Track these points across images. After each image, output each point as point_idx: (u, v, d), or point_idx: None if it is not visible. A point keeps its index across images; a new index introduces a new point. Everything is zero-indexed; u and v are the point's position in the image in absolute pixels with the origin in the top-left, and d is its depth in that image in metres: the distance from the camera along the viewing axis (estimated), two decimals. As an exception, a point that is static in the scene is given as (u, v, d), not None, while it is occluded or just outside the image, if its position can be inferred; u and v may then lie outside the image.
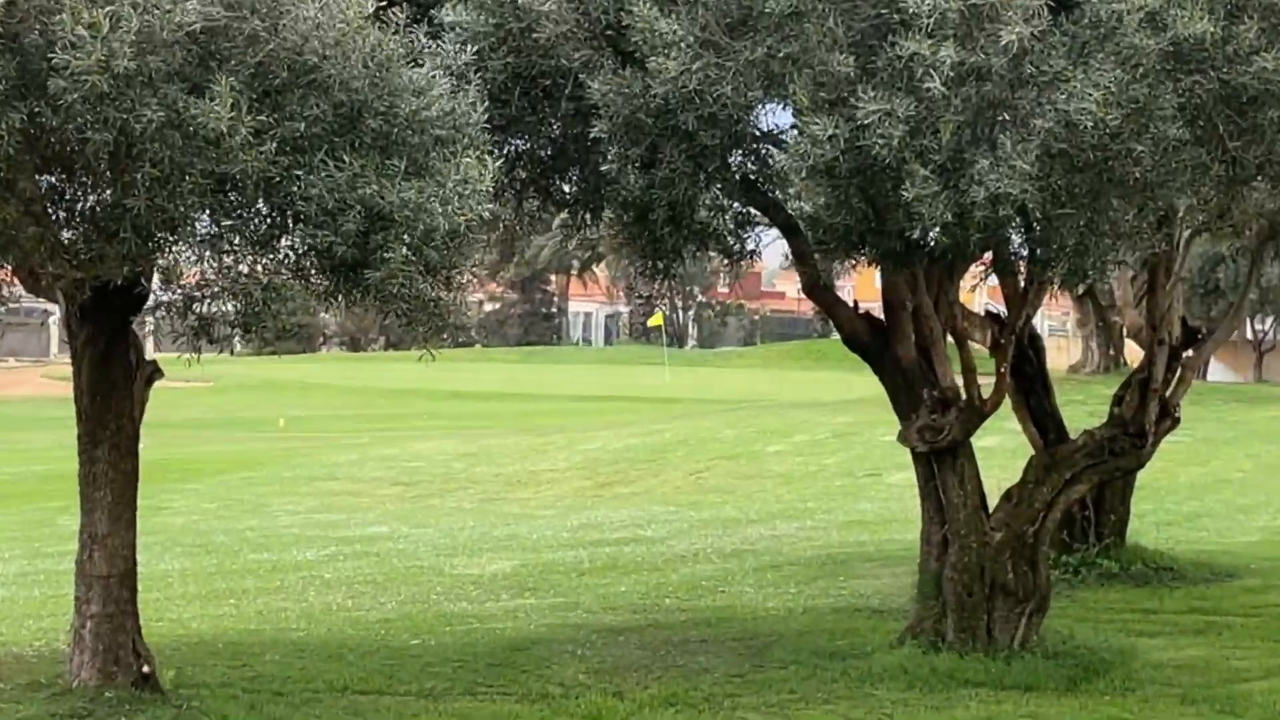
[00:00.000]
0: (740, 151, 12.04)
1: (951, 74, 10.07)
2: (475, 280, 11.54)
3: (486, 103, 10.23)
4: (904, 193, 10.38)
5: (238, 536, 23.39)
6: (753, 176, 12.47)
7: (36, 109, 8.92)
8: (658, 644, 14.20)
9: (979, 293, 15.16)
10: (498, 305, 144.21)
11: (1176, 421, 15.05)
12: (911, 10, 9.90)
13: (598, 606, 16.94)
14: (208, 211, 9.86)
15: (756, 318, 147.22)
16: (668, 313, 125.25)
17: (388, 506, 28.73)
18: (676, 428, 41.66)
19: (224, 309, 10.36)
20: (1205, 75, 10.36)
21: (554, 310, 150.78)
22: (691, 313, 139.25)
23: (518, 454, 37.72)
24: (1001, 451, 21.28)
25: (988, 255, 13.20)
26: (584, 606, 16.95)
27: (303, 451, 36.36)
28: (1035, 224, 12.47)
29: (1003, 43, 9.83)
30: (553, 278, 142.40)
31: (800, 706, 11.72)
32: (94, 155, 9.29)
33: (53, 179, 10.28)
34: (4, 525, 23.11)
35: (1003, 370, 13.82)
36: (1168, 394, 14.80)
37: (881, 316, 14.00)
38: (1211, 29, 10.07)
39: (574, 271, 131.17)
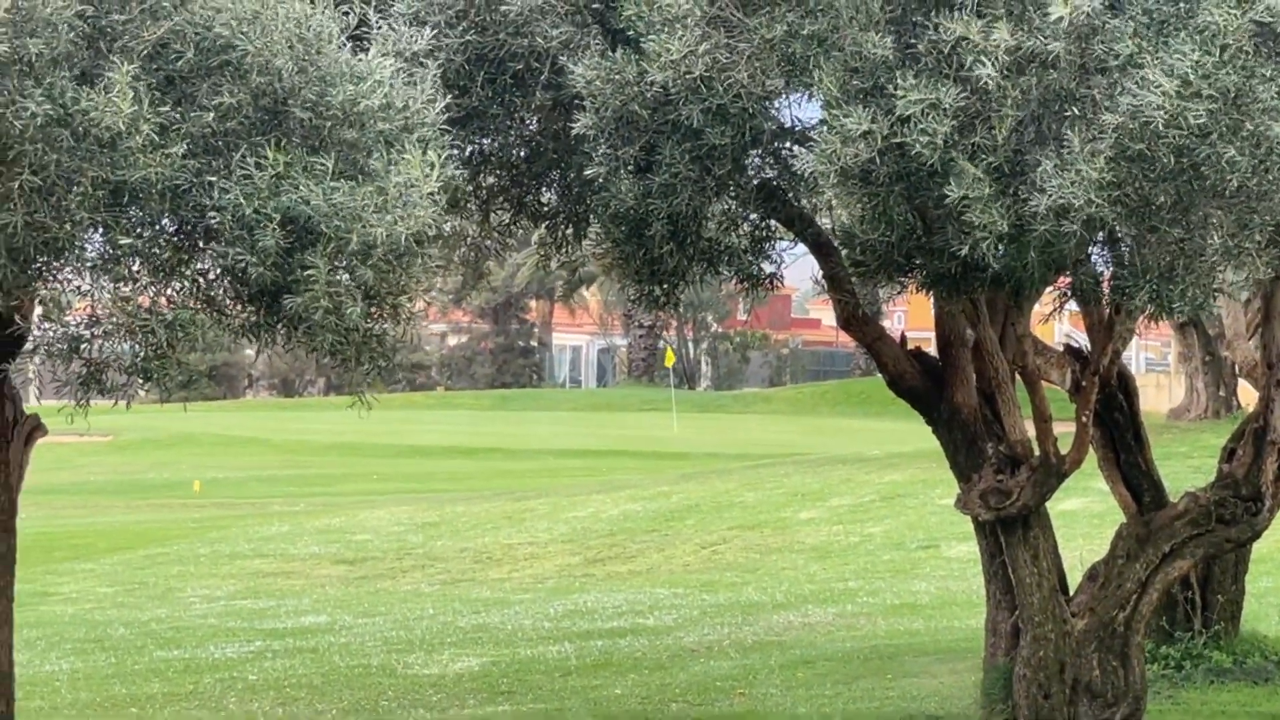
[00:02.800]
0: (757, 152, 11.90)
1: (1007, 59, 10.11)
2: (431, 307, 11.49)
3: (443, 92, 10.23)
4: (950, 199, 10.39)
5: (141, 629, 23.01)
6: (773, 182, 12.33)
7: None
8: None
9: (1056, 322, 15.07)
10: (464, 339, 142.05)
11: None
12: None
13: (587, 715, 16.73)
14: (101, 229, 9.79)
15: (785, 352, 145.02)
16: (675, 346, 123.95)
17: (327, 590, 28.39)
18: (686, 490, 41.00)
19: (119, 350, 10.22)
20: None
21: (534, 344, 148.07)
22: (704, 346, 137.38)
23: (489, 524, 37.43)
24: (1086, 516, 21.19)
25: (1065, 278, 13.18)
26: (571, 714, 16.77)
27: (222, 522, 35.89)
28: (1116, 241, 12.55)
29: (1062, 21, 9.90)
30: (532, 304, 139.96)
31: None
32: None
33: None
34: None
35: (1085, 419, 13.60)
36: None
37: (935, 354, 14.01)
38: None
39: (557, 297, 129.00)
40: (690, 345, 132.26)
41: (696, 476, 45.73)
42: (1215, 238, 11.84)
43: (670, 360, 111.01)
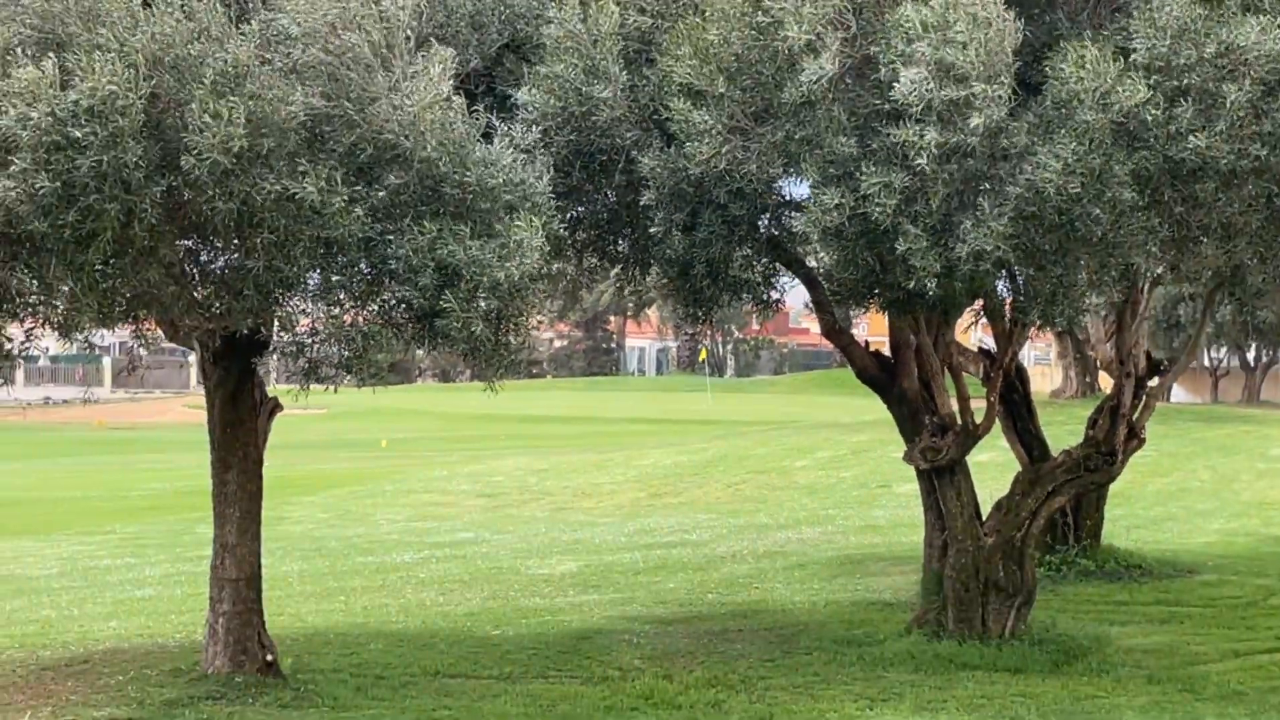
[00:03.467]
0: (765, 217, 12.02)
1: (936, 152, 10.13)
2: (544, 323, 11.55)
3: (551, 173, 10.29)
4: (899, 249, 10.43)
5: (346, 542, 23.44)
6: (777, 237, 12.44)
7: (174, 184, 9.07)
8: (701, 634, 14.35)
9: (973, 331, 15.22)
10: (565, 342, 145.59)
11: (1142, 441, 14.99)
12: (901, 101, 9.98)
13: (650, 601, 17.04)
14: (317, 270, 9.99)
15: (785, 351, 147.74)
16: (710, 347, 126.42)
17: (473, 515, 28.56)
18: (717, 446, 41.44)
19: (329, 352, 10.39)
20: (1151, 150, 10.34)
21: (613, 346, 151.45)
22: (730, 347, 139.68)
23: (583, 469, 37.65)
24: (993, 466, 21.20)
25: (980, 301, 13.23)
26: (639, 601, 17.05)
27: (402, 469, 36.38)
28: (1015, 276, 12.53)
29: (973, 125, 9.90)
30: (611, 319, 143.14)
31: (823, 687, 11.77)
32: (221, 223, 9.43)
33: (188, 244, 10.38)
34: (150, 534, 23.26)
35: (992, 399, 13.72)
36: (1134, 418, 14.73)
37: (889, 354, 14.12)
38: (1153, 110, 10.11)
39: (629, 314, 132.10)
40: (720, 346, 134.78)
41: (724, 437, 45.67)
42: (1084, 274, 12.09)
43: (704, 356, 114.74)
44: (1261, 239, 11.97)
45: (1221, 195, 10.87)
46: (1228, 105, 10.19)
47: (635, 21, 11.18)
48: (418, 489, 32.74)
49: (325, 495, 31.39)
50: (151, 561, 19.88)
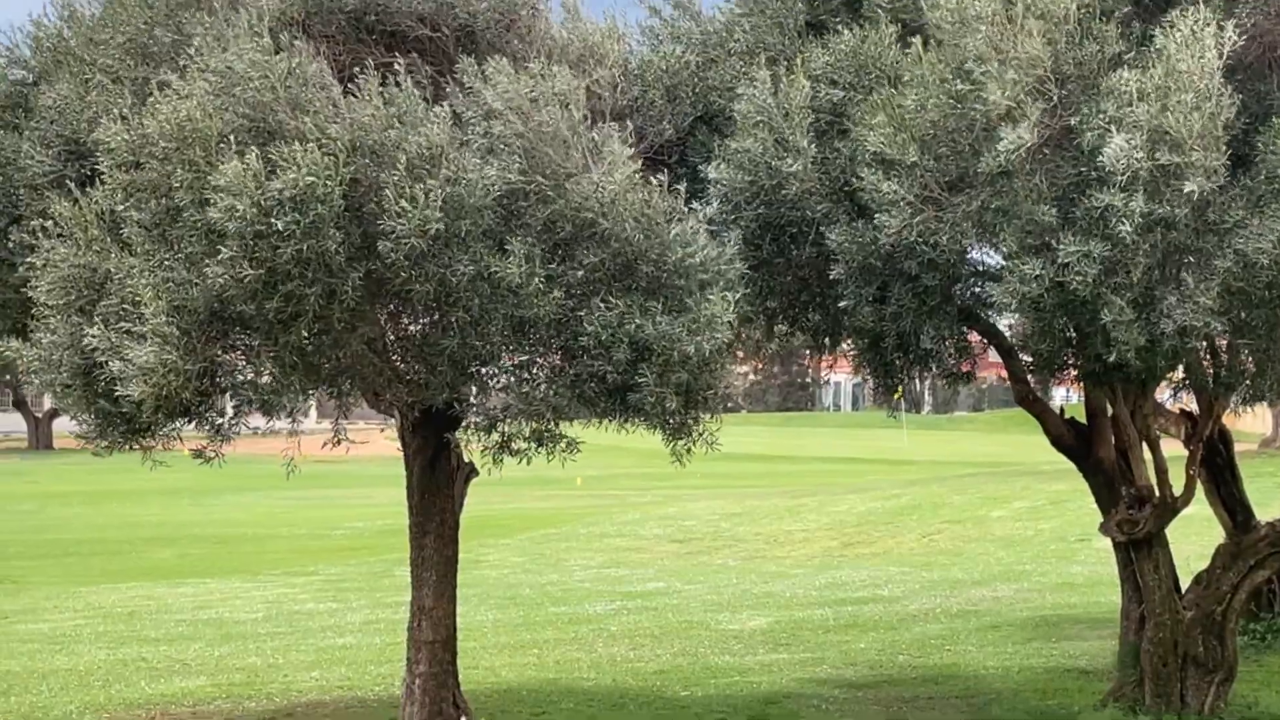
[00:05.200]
0: (958, 287, 11.92)
1: (1141, 222, 10.01)
2: (740, 359, 11.64)
3: (740, 246, 10.34)
4: (1102, 320, 10.30)
5: (540, 590, 23.72)
6: (970, 307, 12.37)
7: (372, 267, 9.28)
8: (891, 699, 14.28)
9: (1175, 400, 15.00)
10: (760, 377, 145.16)
11: None
12: (1107, 168, 9.87)
13: (840, 662, 16.89)
14: (510, 348, 10.13)
15: (984, 386, 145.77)
16: (906, 382, 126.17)
17: (665, 562, 28.55)
18: (912, 493, 41.44)
19: (521, 427, 10.42)
20: None
21: (808, 380, 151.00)
22: (928, 382, 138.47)
23: (775, 515, 37.52)
24: (1197, 519, 20.76)
25: (1180, 371, 13.05)
26: (828, 662, 16.89)
27: (595, 509, 36.59)
28: (1216, 352, 12.38)
29: (1187, 191, 9.78)
30: (806, 352, 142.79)
31: None
32: (418, 303, 9.67)
33: (388, 312, 10.60)
34: (352, 576, 23.80)
35: (1192, 472, 13.51)
36: None
37: (1085, 420, 13.90)
38: None
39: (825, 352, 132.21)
40: (917, 381, 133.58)
41: (919, 483, 45.51)
42: None
43: (899, 394, 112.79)
44: None
45: None
46: None
47: (827, 94, 11.16)
48: (611, 533, 32.97)
49: (521, 538, 31.74)
50: (352, 606, 20.31)
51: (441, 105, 9.52)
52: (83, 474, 42.59)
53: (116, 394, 9.54)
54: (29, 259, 9.91)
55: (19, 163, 10.61)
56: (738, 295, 9.98)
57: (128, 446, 10.67)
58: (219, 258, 8.91)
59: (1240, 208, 10.06)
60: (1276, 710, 13.22)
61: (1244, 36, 10.27)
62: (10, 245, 10.49)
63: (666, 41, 12.29)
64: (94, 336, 9.42)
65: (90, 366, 9.68)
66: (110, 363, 9.36)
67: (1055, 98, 10.24)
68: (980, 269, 11.80)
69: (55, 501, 40.08)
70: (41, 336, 9.95)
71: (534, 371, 10.26)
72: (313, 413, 11.65)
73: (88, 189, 9.65)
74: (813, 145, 10.96)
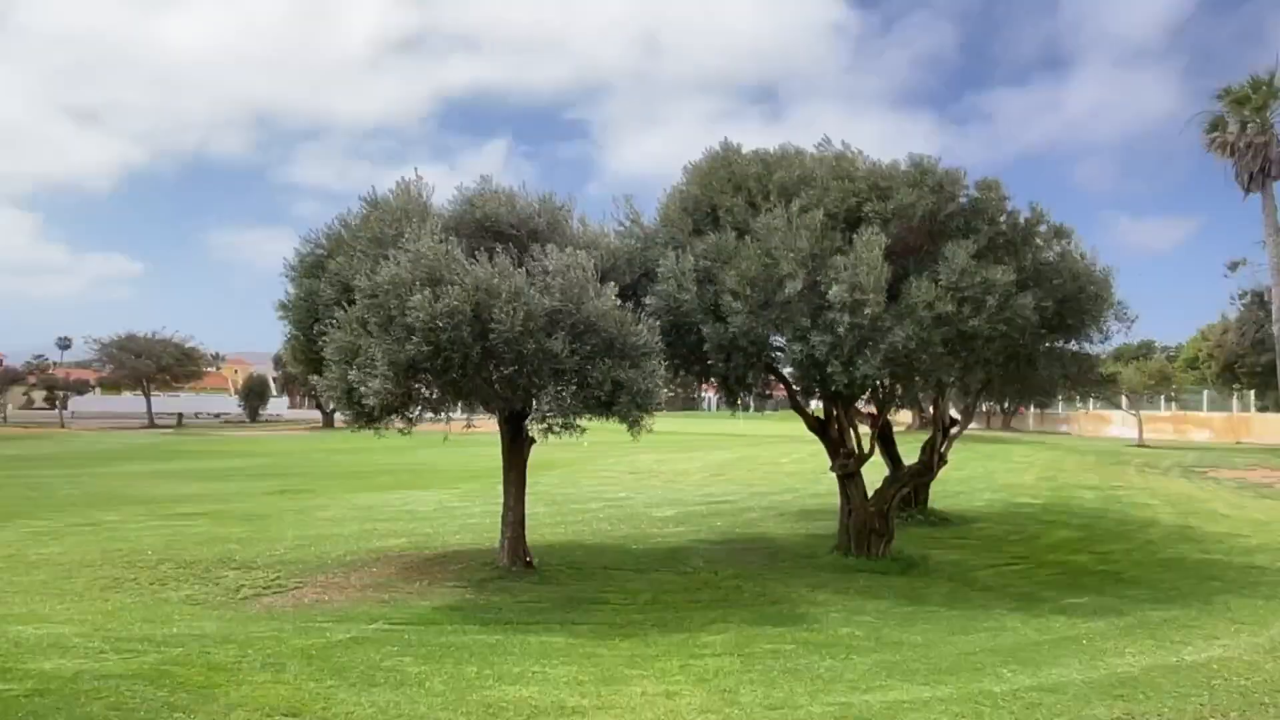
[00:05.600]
0: (765, 354, 11.59)
1: (847, 326, 10.17)
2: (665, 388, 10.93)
3: (660, 336, 10.28)
4: (829, 371, 10.41)
5: (566, 497, 21.49)
6: (771, 364, 12.21)
7: (486, 345, 9.34)
8: (733, 551, 13.86)
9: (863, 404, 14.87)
10: (672, 392, 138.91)
11: (945, 461, 14.43)
12: (832, 301, 10.06)
13: (709, 533, 15.88)
14: (553, 383, 9.71)
15: (777, 400, 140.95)
16: (741, 397, 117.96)
17: (626, 483, 25.65)
18: (745, 450, 39.07)
19: (557, 420, 10.08)
20: (951, 327, 10.29)
21: (695, 395, 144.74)
22: (751, 397, 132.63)
23: (680, 461, 34.54)
24: (876, 464, 20.68)
25: (867, 394, 13.00)
26: (703, 532, 15.90)
27: (593, 459, 33.33)
28: (880, 385, 12.46)
29: (866, 313, 9.94)
30: (695, 383, 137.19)
31: (791, 578, 11.53)
32: (508, 362, 9.61)
33: (491, 371, 10.45)
34: (477, 490, 22.66)
35: (873, 441, 13.30)
36: (943, 449, 14.30)
37: (822, 417, 13.66)
38: (950, 308, 10.11)
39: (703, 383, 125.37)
40: (746, 396, 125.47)
41: (749, 445, 42.68)
42: (917, 383, 12.00)
43: (738, 403, 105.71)
44: (1002, 368, 11.94)
45: (985, 348, 10.81)
46: (986, 306, 10.25)
47: (703, 263, 11.08)
48: (600, 470, 29.89)
49: (557, 472, 29.40)
50: (475, 504, 19.79)
51: (521, 267, 9.63)
52: (347, 440, 41.92)
53: (362, 402, 9.65)
54: (324, 339, 9.97)
55: (319, 294, 10.69)
56: (662, 360, 10.01)
57: (366, 428, 10.72)
58: (412, 339, 9.09)
59: (890, 320, 10.20)
60: (911, 554, 13.11)
61: (890, 239, 10.48)
62: (315, 334, 10.52)
63: (627, 236, 12.21)
64: (353, 377, 9.52)
65: (350, 389, 9.72)
66: (359, 388, 9.46)
67: (809, 268, 10.43)
68: (775, 347, 11.62)
69: (334, 453, 39.50)
70: (329, 374, 9.99)
71: (564, 395, 9.80)
72: (457, 412, 11.51)
73: (349, 307, 9.73)
74: (695, 286, 10.95)
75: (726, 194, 11.84)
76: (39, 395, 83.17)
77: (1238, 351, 37.06)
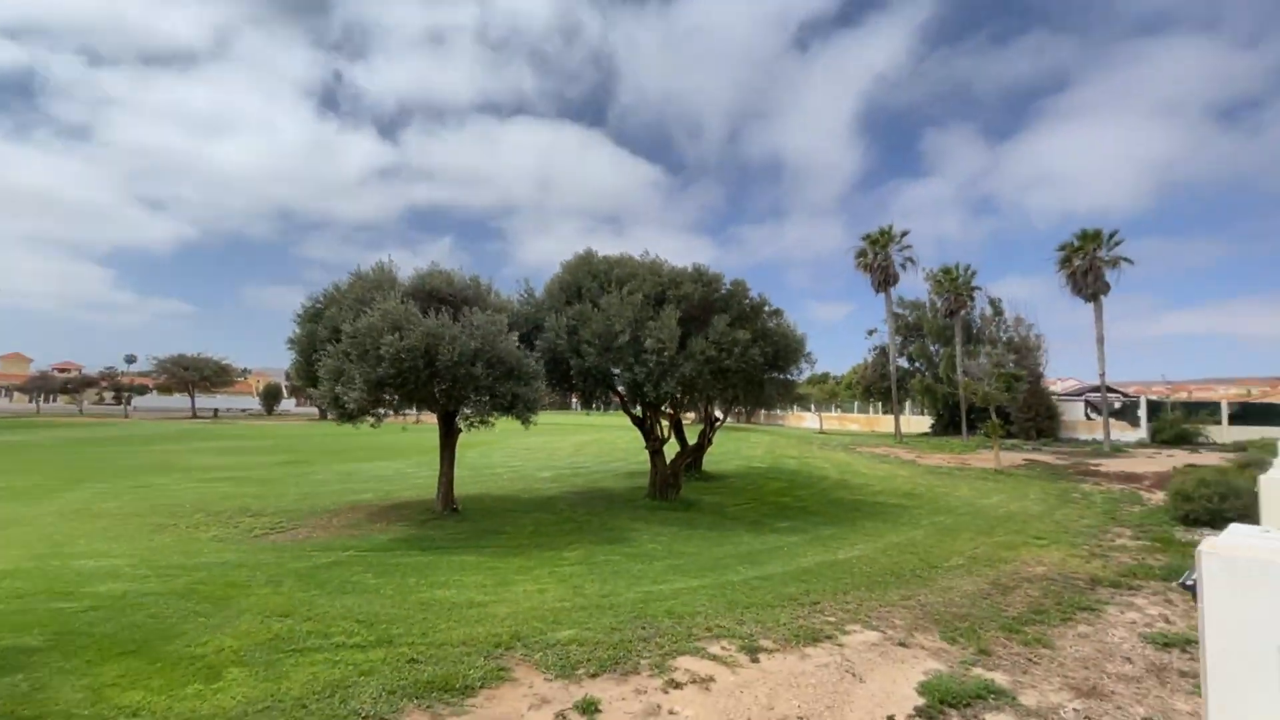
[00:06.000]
0: (608, 379, 11.27)
1: (665, 358, 10.06)
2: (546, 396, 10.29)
3: (544, 366, 10.01)
4: (645, 389, 10.35)
5: (483, 466, 19.90)
6: (610, 383, 11.66)
7: (432, 370, 8.76)
8: (588, 499, 13.03)
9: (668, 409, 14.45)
10: (551, 399, 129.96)
11: (711, 442, 14.03)
12: (648, 347, 10.01)
13: (574, 487, 14.85)
14: (472, 394, 9.25)
15: (614, 404, 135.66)
16: (594, 403, 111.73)
17: (520, 457, 22.73)
18: (597, 435, 35.82)
19: (475, 418, 9.54)
20: (718, 364, 10.32)
21: (568, 401, 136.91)
22: (598, 402, 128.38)
23: (555, 442, 31.52)
24: (673, 444, 20.04)
25: (669, 403, 12.76)
26: (569, 487, 14.78)
27: (499, 441, 30.09)
28: (678, 398, 12.33)
29: (666, 355, 9.92)
30: (566, 394, 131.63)
31: (622, 516, 11.07)
32: (445, 380, 9.09)
33: (435, 387, 9.92)
34: (422, 460, 20.06)
35: (670, 431, 13.03)
36: (710, 435, 14.00)
37: (641, 416, 13.29)
38: (716, 352, 10.23)
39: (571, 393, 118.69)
40: (597, 402, 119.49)
41: (590, 432, 40.09)
42: (698, 400, 11.78)
43: (593, 406, 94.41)
44: (744, 389, 11.95)
45: (734, 378, 10.94)
46: (734, 354, 10.50)
47: (571, 322, 10.84)
48: (504, 449, 27.69)
49: (478, 449, 27.25)
50: (422, 471, 18.09)
51: (456, 321, 9.24)
52: (336, 429, 37.73)
53: (345, 407, 8.96)
54: (319, 364, 9.20)
55: (316, 334, 9.87)
56: (543, 381, 9.78)
57: (348, 423, 9.85)
58: (382, 365, 8.53)
59: (681, 360, 10.17)
60: (690, 498, 12.69)
61: (681, 312, 10.64)
62: (313, 361, 9.66)
63: (525, 303, 11.76)
64: (338, 390, 8.85)
65: (336, 398, 9.00)
66: (343, 397, 8.79)
67: (633, 328, 10.34)
68: (613, 374, 11.21)
69: (326, 437, 35.77)
70: (322, 388, 9.21)
71: (482, 402, 9.38)
72: (412, 411, 10.71)
73: (337, 343, 9.05)
74: (566, 336, 10.73)
75: (586, 280, 11.75)
76: (109, 395, 73.21)
77: (872, 379, 40.36)
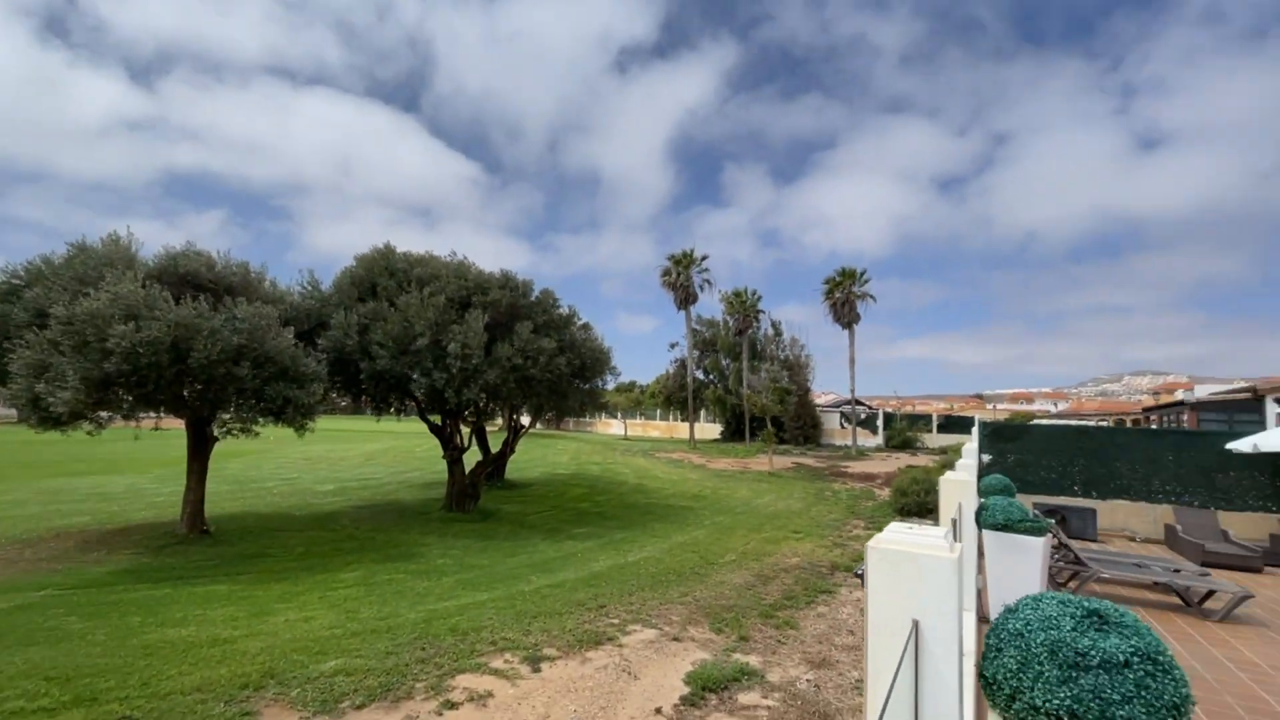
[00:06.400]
0: (404, 383, 10.51)
1: (459, 368, 9.70)
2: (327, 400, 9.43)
3: (329, 367, 9.18)
4: (445, 394, 9.94)
5: (248, 479, 17.84)
6: (408, 388, 10.89)
7: (180, 368, 7.61)
8: (375, 513, 12.14)
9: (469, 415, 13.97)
10: (343, 403, 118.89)
11: (514, 450, 14.02)
12: (450, 350, 9.63)
13: (361, 501, 13.62)
14: (235, 399, 8.33)
15: (411, 410, 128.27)
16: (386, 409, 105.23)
17: (299, 468, 20.57)
18: (391, 443, 33.85)
19: (234, 425, 8.59)
20: (523, 372, 10.25)
21: (360, 404, 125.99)
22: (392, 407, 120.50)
23: (343, 450, 29.31)
24: (476, 452, 19.46)
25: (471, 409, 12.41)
26: (356, 501, 13.56)
27: (272, 450, 27.70)
28: (480, 405, 12.05)
29: (474, 363, 9.62)
30: (352, 397, 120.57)
31: (408, 528, 10.52)
32: (199, 381, 7.91)
33: (183, 387, 8.57)
34: (167, 474, 16.74)
35: (472, 439, 12.70)
36: (514, 443, 13.66)
37: (440, 423, 12.74)
38: (521, 360, 10.12)
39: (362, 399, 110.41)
40: (391, 407, 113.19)
41: (393, 439, 37.40)
42: (501, 408, 11.55)
43: (386, 412, 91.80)
44: (549, 397, 12.04)
45: (539, 386, 10.90)
46: (540, 362, 10.57)
47: (363, 321, 10.09)
48: (279, 458, 24.91)
49: (244, 460, 23.78)
50: (168, 485, 15.21)
51: (218, 312, 8.04)
52: (37, 438, 29.99)
53: (50, 409, 7.26)
54: (12, 356, 7.35)
55: (10, 319, 7.89)
56: (325, 383, 8.93)
57: (54, 430, 8.01)
58: (110, 360, 7.10)
59: (486, 366, 9.92)
60: (490, 508, 12.41)
61: (488, 318, 10.35)
62: (3, 350, 7.69)
63: (309, 297, 10.60)
64: (40, 389, 7.13)
65: (36, 398, 7.27)
66: (47, 398, 7.11)
67: (434, 331, 9.90)
68: (410, 379, 10.42)
69: (28, 444, 28.12)
70: (14, 385, 7.35)
71: (245, 406, 8.40)
72: (151, 417, 9.22)
73: (42, 331, 7.30)
74: (356, 336, 9.91)
75: (384, 277, 11.00)
76: None
77: (672, 389, 43.27)
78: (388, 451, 28.10)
